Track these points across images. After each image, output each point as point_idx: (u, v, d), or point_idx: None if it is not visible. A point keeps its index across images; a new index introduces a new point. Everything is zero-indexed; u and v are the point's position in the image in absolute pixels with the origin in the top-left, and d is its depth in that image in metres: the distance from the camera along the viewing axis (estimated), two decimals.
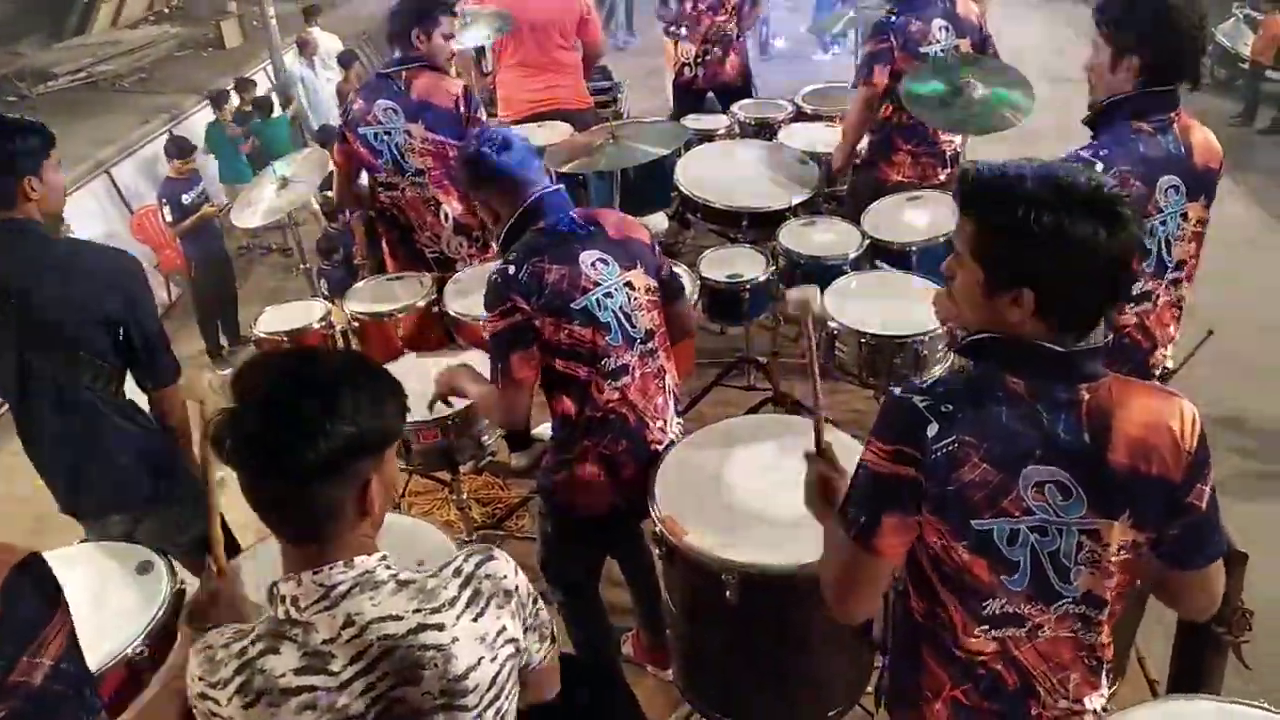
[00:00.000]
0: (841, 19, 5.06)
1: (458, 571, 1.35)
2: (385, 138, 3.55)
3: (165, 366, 2.59)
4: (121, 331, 2.47)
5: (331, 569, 1.27)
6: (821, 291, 3.24)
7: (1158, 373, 2.59)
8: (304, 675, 1.25)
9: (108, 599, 2.28)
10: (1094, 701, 1.62)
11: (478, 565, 1.36)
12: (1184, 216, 2.41)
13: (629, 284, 2.42)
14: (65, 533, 2.87)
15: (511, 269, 2.32)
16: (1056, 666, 1.56)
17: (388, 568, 1.32)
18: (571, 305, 2.32)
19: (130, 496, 2.62)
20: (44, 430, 2.56)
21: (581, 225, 2.42)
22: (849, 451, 2.37)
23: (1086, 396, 1.45)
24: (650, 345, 2.48)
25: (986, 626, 1.53)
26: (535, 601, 1.43)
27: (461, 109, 3.56)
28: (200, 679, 1.28)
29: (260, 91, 9.01)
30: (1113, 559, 1.49)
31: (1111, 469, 1.44)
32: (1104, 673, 1.62)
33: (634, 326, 2.42)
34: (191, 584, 2.52)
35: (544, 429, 3.86)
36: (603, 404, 2.42)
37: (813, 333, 1.94)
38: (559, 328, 2.33)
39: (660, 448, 2.52)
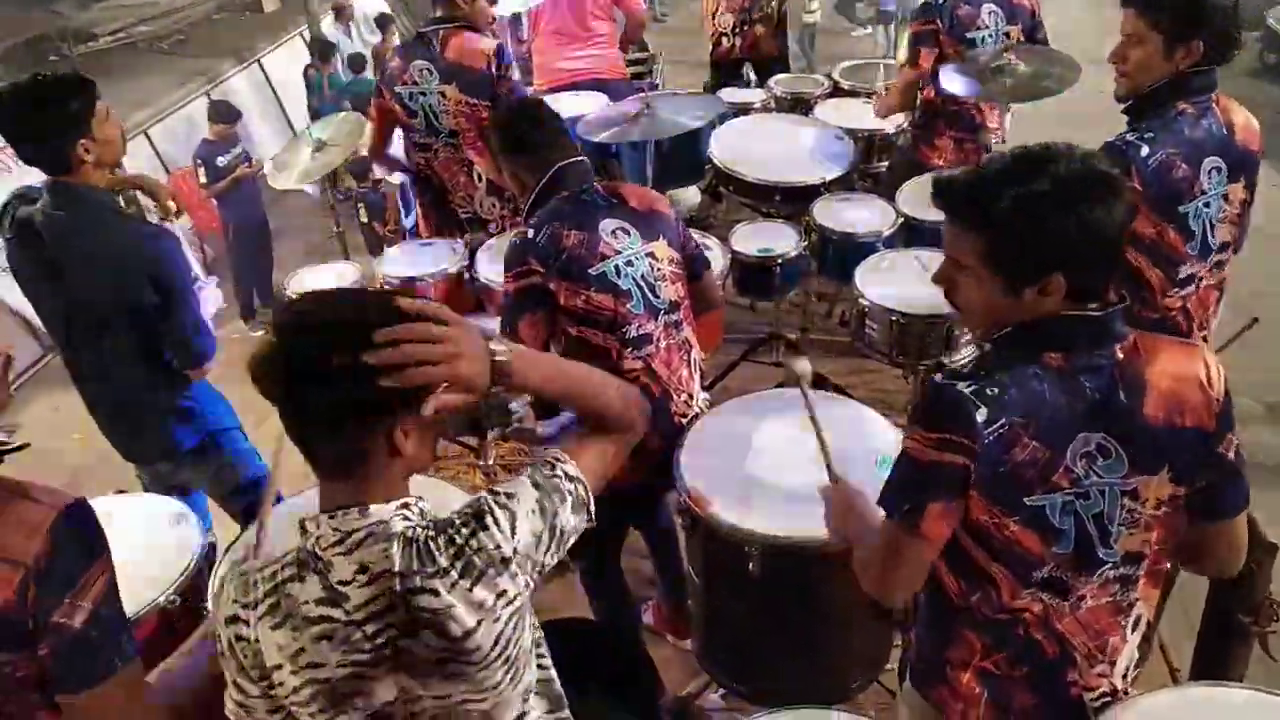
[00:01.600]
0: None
1: (450, 541, 1.31)
2: (420, 98, 3.56)
3: (194, 350, 2.55)
4: (150, 315, 2.46)
5: (346, 515, 1.29)
6: (853, 268, 3.29)
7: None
8: (324, 606, 1.29)
9: (142, 549, 2.33)
10: (1122, 663, 1.63)
11: (470, 536, 1.31)
12: (1225, 198, 2.39)
13: (651, 254, 2.42)
14: (100, 485, 2.93)
15: (531, 233, 2.34)
16: (1095, 634, 1.58)
17: (404, 519, 1.31)
18: (589, 271, 2.33)
19: (168, 448, 2.67)
20: (89, 379, 2.62)
21: (604, 196, 2.43)
22: (879, 429, 2.40)
23: (1120, 356, 1.47)
24: (675, 316, 2.48)
25: (1034, 589, 1.54)
26: (540, 541, 1.36)
27: (493, 69, 3.54)
28: (234, 600, 1.33)
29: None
30: (1150, 513, 1.50)
31: (1148, 424, 1.46)
32: (1132, 624, 1.63)
33: (657, 296, 2.42)
34: (226, 531, 2.58)
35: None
36: (625, 373, 2.41)
37: (810, 399, 2.12)
38: (575, 293, 2.34)
39: (685, 421, 2.52)
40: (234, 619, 1.32)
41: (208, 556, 2.32)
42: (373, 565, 1.28)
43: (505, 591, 1.33)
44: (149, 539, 2.36)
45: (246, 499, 2.70)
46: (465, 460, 3.86)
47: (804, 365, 2.21)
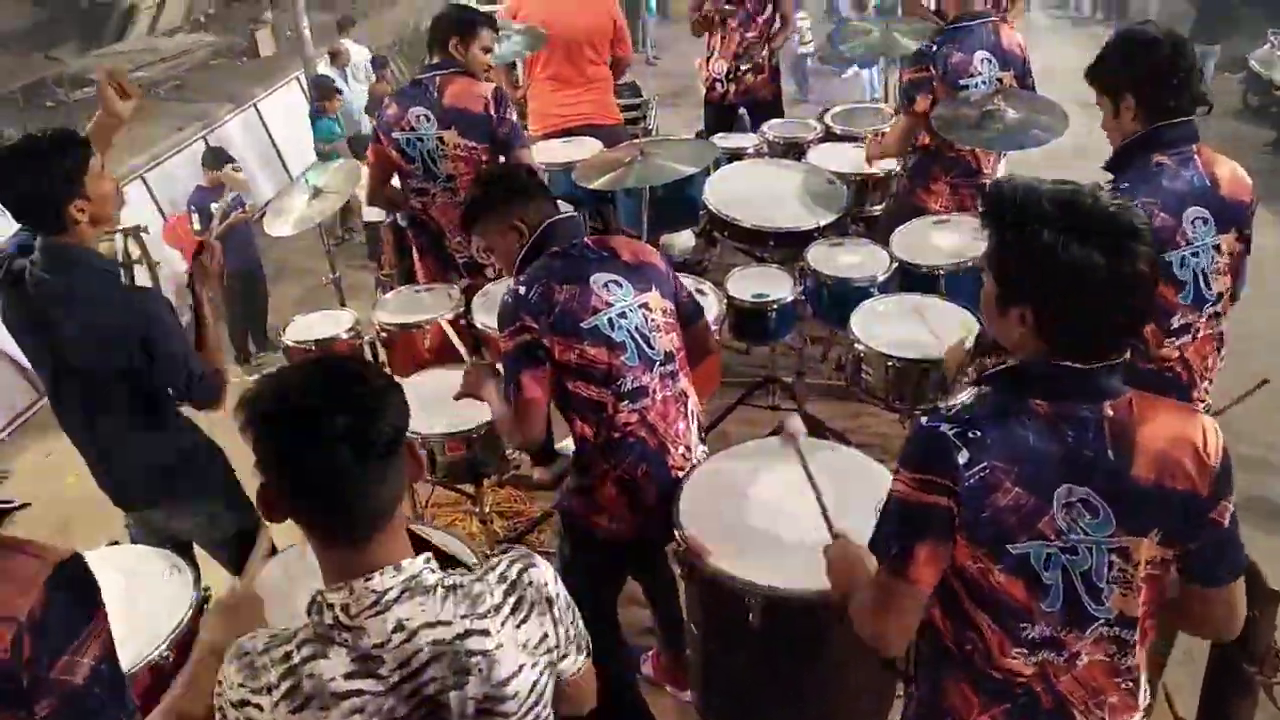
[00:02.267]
0: (866, 40, 4.98)
1: (502, 578, 1.36)
2: (418, 144, 3.58)
3: (200, 392, 2.54)
4: (140, 373, 2.44)
5: (382, 575, 1.27)
6: (848, 312, 3.30)
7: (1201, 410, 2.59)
8: (354, 679, 1.26)
9: (136, 602, 2.30)
10: None
11: (521, 572, 1.38)
12: (1217, 249, 2.41)
13: (644, 305, 2.41)
14: (92, 531, 2.91)
15: (522, 289, 2.34)
16: (1093, 690, 1.56)
17: (433, 571, 1.32)
18: (581, 325, 2.33)
19: (159, 495, 2.65)
20: (77, 429, 2.60)
21: (594, 250, 2.43)
22: (873, 475, 2.39)
23: (1110, 413, 1.46)
24: (670, 367, 2.46)
25: (1025, 650, 1.53)
26: (572, 609, 1.45)
27: (492, 111, 3.56)
28: (240, 685, 1.27)
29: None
30: (1141, 576, 1.49)
31: (1137, 485, 1.45)
32: (1140, 692, 1.61)
33: (652, 348, 2.41)
34: (220, 580, 2.55)
35: (569, 443, 3.86)
36: (620, 426, 2.40)
37: (805, 459, 2.14)
38: (569, 348, 2.33)
39: (682, 474, 2.49)
40: (243, 703, 1.27)
41: (201, 609, 2.29)
42: (409, 621, 1.27)
43: (546, 635, 1.37)
44: (141, 592, 2.33)
45: (241, 551, 2.66)
46: (461, 507, 3.84)
47: (797, 424, 2.25)
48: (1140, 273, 1.40)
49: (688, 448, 2.53)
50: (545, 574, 1.40)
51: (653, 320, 2.42)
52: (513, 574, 1.37)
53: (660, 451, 2.45)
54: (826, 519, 1.96)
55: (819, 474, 2.08)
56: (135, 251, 2.72)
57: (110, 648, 1.40)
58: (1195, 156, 2.38)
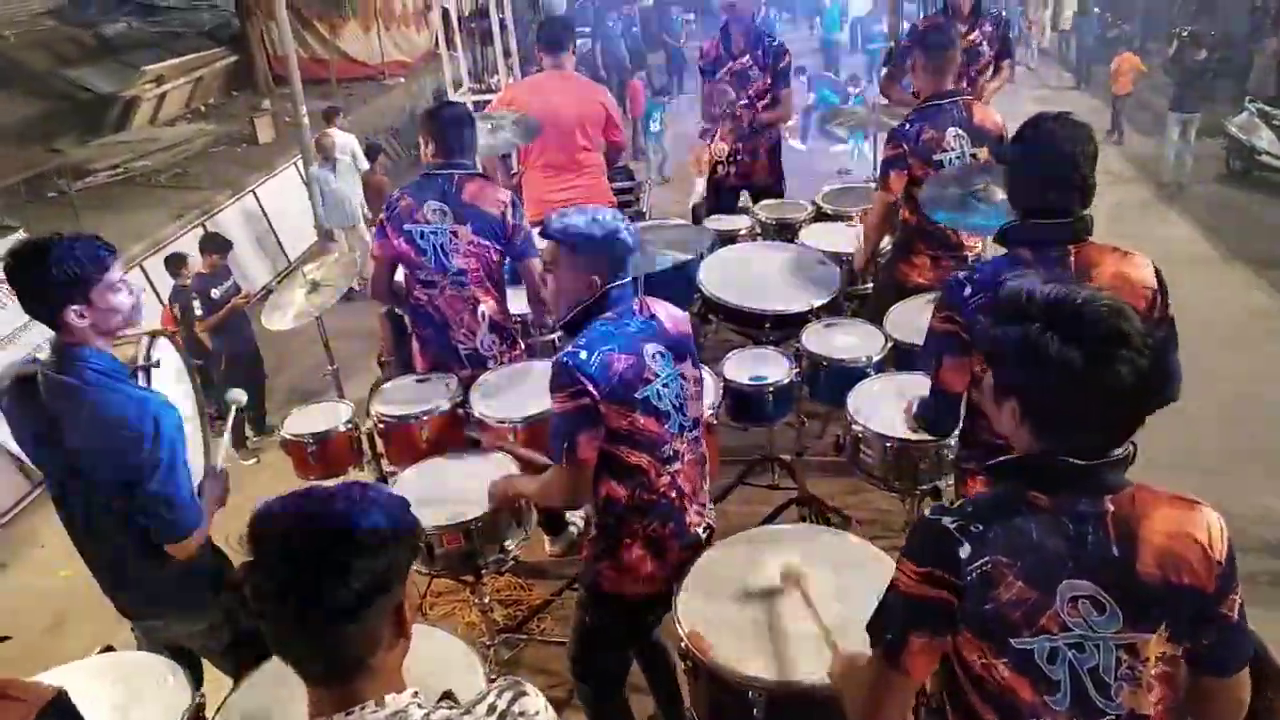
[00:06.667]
0: (852, 118, 5.11)
1: (491, 709, 1.33)
2: (431, 236, 3.59)
3: (171, 523, 2.45)
4: (131, 483, 2.39)
5: (362, 710, 1.26)
6: (845, 393, 3.31)
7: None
8: None
9: (131, 711, 2.27)
10: None
11: (511, 702, 1.35)
12: None
13: (682, 375, 2.51)
14: (84, 629, 2.86)
15: (582, 354, 2.35)
16: None
17: (420, 706, 1.30)
18: (635, 395, 2.39)
19: (162, 607, 2.63)
20: (84, 536, 2.57)
21: (644, 318, 2.49)
22: (875, 566, 2.37)
23: (1111, 508, 1.46)
24: (696, 433, 2.59)
25: None
26: None
27: (509, 218, 3.60)
28: None
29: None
30: (1152, 673, 1.48)
31: (1142, 581, 1.45)
32: None
33: (685, 415, 2.52)
34: (219, 684, 2.51)
35: (575, 516, 3.84)
36: (657, 488, 2.49)
37: (811, 598, 2.21)
38: (622, 415, 2.38)
39: (698, 529, 2.59)
40: None
41: (198, 715, 2.26)
42: None
43: None
44: (139, 701, 2.30)
45: (239, 656, 2.62)
46: (460, 596, 3.81)
47: (794, 566, 2.30)
48: (1122, 380, 1.39)
49: (702, 505, 2.65)
50: (536, 702, 1.37)
51: (688, 389, 2.52)
52: (503, 704, 1.34)
53: (681, 510, 2.55)
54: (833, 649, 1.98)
55: (825, 559, 2.06)
56: (157, 355, 2.67)
57: None
58: (1069, 256, 2.29)
